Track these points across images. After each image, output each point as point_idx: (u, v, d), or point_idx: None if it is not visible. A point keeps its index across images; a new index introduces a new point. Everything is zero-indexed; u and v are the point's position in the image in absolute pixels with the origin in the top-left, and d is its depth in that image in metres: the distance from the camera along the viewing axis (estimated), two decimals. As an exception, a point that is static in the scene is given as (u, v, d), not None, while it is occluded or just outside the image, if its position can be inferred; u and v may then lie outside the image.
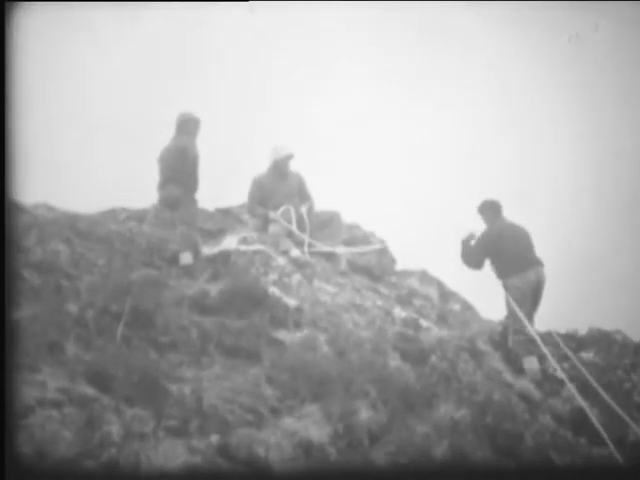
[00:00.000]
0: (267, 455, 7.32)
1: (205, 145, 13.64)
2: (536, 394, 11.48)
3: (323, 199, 15.37)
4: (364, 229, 16.83)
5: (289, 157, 14.88)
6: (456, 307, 15.00)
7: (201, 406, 7.77)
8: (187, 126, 13.47)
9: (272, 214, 14.59)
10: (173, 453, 6.91)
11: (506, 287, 12.48)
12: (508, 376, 11.67)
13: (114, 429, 6.95)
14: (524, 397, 11.15)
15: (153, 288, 10.29)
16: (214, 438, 7.31)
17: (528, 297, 12.36)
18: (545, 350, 11.85)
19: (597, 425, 10.73)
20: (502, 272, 12.61)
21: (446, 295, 15.51)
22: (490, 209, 13.11)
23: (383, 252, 16.08)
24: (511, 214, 13.07)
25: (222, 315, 10.23)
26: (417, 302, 13.97)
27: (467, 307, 15.31)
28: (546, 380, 12.19)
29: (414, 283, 15.34)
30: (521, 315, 12.10)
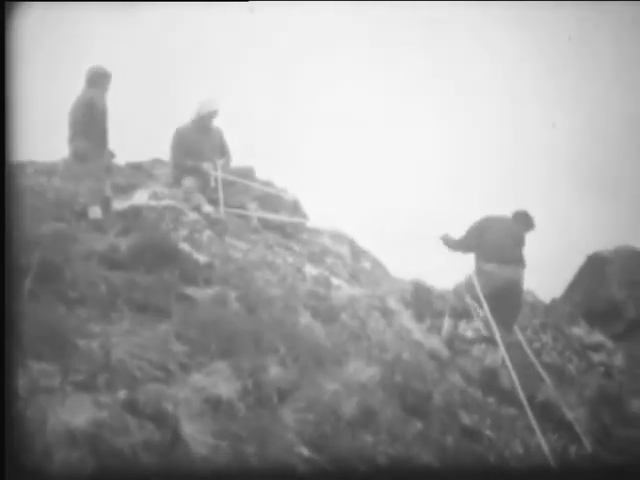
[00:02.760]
0: (175, 410, 7.28)
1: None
2: (446, 353, 11.62)
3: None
4: (277, 186, 16.80)
5: (214, 113, 14.90)
6: (367, 265, 15.08)
7: (109, 361, 7.67)
8: (97, 79, 13.25)
9: (205, 165, 14.57)
10: (80, 407, 6.83)
11: (479, 271, 12.38)
12: (418, 335, 11.77)
13: (20, 383, 6.85)
14: (434, 356, 11.28)
15: (62, 242, 10.12)
16: (122, 393, 7.25)
17: (497, 290, 12.14)
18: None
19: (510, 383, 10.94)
20: (481, 255, 12.53)
21: (357, 253, 15.58)
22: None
23: (295, 209, 16.07)
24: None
25: (132, 270, 10.11)
26: (329, 260, 14.01)
27: (378, 266, 15.41)
28: (455, 339, 12.34)
29: (326, 241, 15.38)
30: (482, 298, 12.04)
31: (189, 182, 14.39)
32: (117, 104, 14.69)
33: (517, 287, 12.31)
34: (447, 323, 12.48)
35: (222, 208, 14.26)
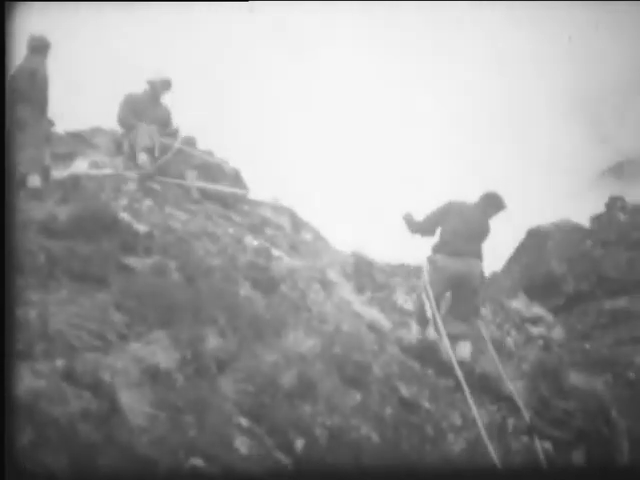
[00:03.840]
0: (113, 380, 7.24)
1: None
2: (385, 325, 11.63)
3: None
4: (217, 156, 16.71)
5: (167, 84, 14.86)
6: (308, 237, 15.06)
7: (47, 330, 7.60)
8: (40, 48, 13.08)
9: (144, 125, 14.50)
10: (17, 376, 6.77)
11: (430, 260, 11.93)
12: (358, 307, 11.79)
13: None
14: (373, 328, 11.29)
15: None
16: (59, 362, 7.18)
17: (446, 281, 11.71)
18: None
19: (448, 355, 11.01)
20: (436, 244, 12.05)
21: (298, 225, 15.56)
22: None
23: (236, 180, 16.01)
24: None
25: (70, 239, 10.00)
26: (269, 231, 13.98)
27: (319, 237, 15.40)
28: (394, 311, 12.36)
29: (266, 212, 15.35)
30: (429, 291, 11.59)
31: (143, 157, 14.29)
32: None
33: (468, 280, 11.76)
34: (414, 329, 11.99)
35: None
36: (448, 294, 11.78)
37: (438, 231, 12.08)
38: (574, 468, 10.69)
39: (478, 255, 11.95)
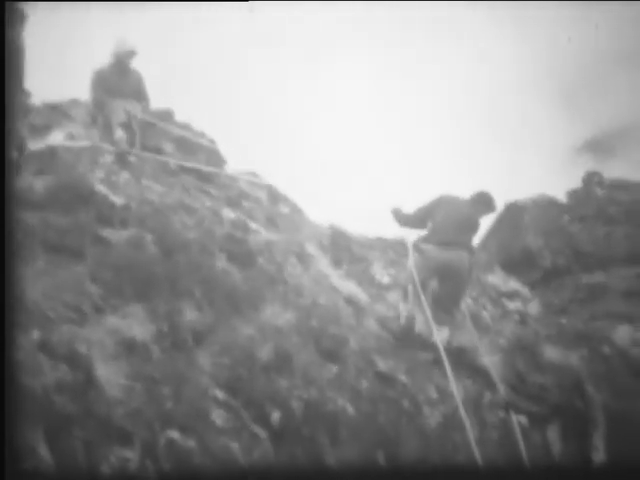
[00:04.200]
0: (89, 352, 7.23)
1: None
2: (362, 299, 11.63)
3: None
4: (195, 129, 16.67)
5: (131, 53, 14.71)
6: (285, 210, 15.04)
7: (22, 301, 7.58)
8: (15, 18, 12.97)
9: (118, 101, 14.42)
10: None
11: (417, 249, 11.63)
12: (335, 280, 11.79)
13: None
14: (350, 301, 11.29)
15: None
16: (35, 334, 7.16)
17: (433, 272, 11.44)
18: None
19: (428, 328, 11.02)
20: (426, 235, 11.75)
21: (275, 198, 15.53)
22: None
23: (213, 153, 15.97)
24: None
25: (47, 211, 9.96)
26: (246, 204, 13.94)
27: (296, 211, 15.38)
28: (372, 285, 12.37)
29: (243, 185, 15.31)
30: (417, 280, 11.32)
31: (120, 134, 14.23)
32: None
33: (456, 271, 11.46)
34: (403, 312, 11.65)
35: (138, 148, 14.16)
36: (435, 283, 11.50)
37: (427, 222, 11.84)
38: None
39: (468, 247, 11.69)
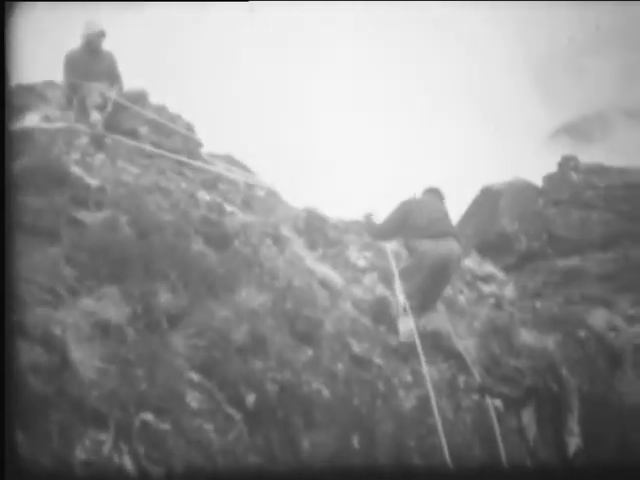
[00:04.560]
0: (64, 334, 7.21)
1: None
2: (338, 281, 11.62)
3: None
4: (170, 111, 16.59)
5: (101, 34, 14.63)
6: (261, 193, 15.00)
7: (-5, 283, 7.54)
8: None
9: (93, 83, 14.35)
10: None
11: (408, 248, 11.37)
12: (310, 263, 11.77)
13: None
14: (325, 284, 11.28)
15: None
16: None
17: (424, 270, 11.05)
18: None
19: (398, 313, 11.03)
20: (412, 234, 11.32)
21: (251, 180, 15.50)
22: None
23: (189, 133, 15.92)
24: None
25: (22, 193, 9.90)
26: (222, 186, 13.90)
27: (272, 193, 15.35)
28: (347, 268, 12.36)
29: (220, 166, 15.27)
30: (396, 277, 11.35)
31: (96, 116, 14.15)
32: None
33: (448, 264, 11.15)
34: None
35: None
36: (427, 277, 11.15)
37: (402, 228, 11.53)
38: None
39: (457, 236, 11.52)
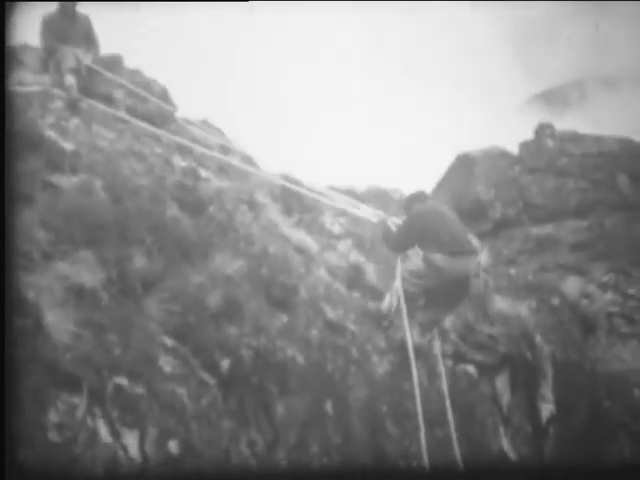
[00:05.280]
0: (37, 299, 7.20)
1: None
2: (313, 247, 11.61)
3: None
4: (146, 76, 16.48)
5: None
6: (236, 158, 14.93)
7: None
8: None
9: (70, 47, 14.25)
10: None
11: (426, 261, 10.41)
12: (285, 229, 11.77)
13: None
14: (300, 250, 11.27)
15: None
16: (-18, 281, 7.11)
17: (442, 286, 10.44)
18: None
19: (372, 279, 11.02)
20: (429, 246, 10.41)
21: (227, 146, 15.43)
22: (416, 201, 11.10)
23: (164, 99, 15.83)
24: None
25: (-5, 157, 9.84)
26: (197, 152, 13.82)
27: (247, 159, 15.29)
28: (322, 234, 12.36)
29: (195, 132, 15.19)
30: (400, 292, 10.57)
31: (70, 80, 14.04)
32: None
33: (465, 281, 10.58)
34: (388, 299, 10.97)
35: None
36: (439, 292, 10.59)
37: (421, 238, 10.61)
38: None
39: (474, 250, 10.79)
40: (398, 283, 10.58)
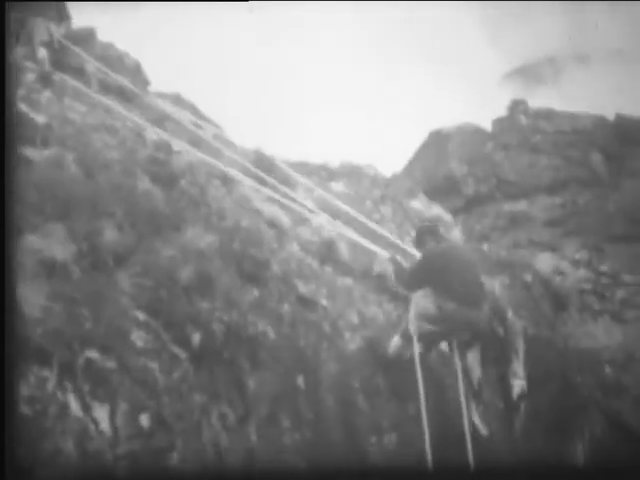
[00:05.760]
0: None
1: None
2: (285, 222, 11.60)
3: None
4: (119, 49, 16.39)
5: None
6: (209, 132, 14.88)
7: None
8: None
9: (41, 19, 14.15)
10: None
11: (437, 305, 10.06)
12: (258, 203, 11.75)
13: None
14: (273, 225, 11.26)
15: None
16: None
17: (450, 332, 10.45)
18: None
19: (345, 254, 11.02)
20: (440, 293, 10.10)
21: (199, 121, 15.39)
22: (429, 235, 10.74)
23: (137, 73, 15.76)
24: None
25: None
26: (169, 125, 13.77)
27: (221, 132, 15.25)
28: (295, 209, 12.34)
29: (167, 106, 15.12)
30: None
31: (42, 53, 13.95)
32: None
33: (478, 332, 10.52)
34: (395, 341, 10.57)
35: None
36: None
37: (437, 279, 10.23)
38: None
39: (486, 299, 10.66)
40: (412, 327, 10.35)
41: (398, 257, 10.82)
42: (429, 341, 10.37)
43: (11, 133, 7.78)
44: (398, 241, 12.19)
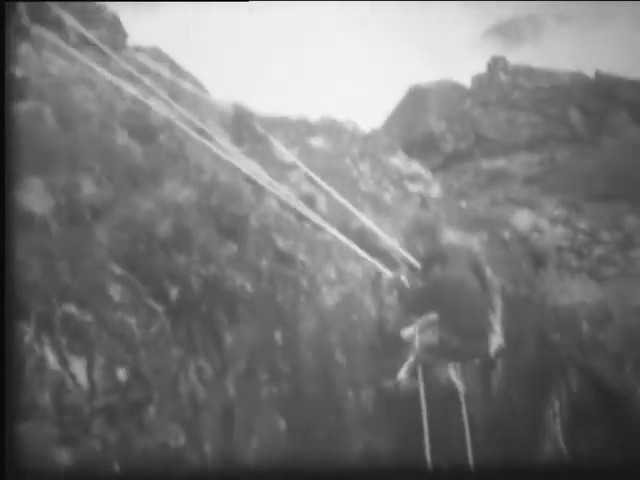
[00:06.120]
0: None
1: None
2: (263, 177, 11.56)
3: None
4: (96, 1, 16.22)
5: None
6: (188, 87, 14.78)
7: None
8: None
9: None
10: None
11: (441, 337, 9.81)
12: (235, 160, 11.70)
13: None
14: (250, 179, 11.22)
15: None
16: None
17: (444, 358, 10.28)
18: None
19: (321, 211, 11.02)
20: (444, 323, 9.80)
21: (178, 74, 15.27)
22: (437, 260, 10.25)
23: (115, 26, 15.60)
24: None
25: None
26: (148, 79, 13.66)
27: (199, 88, 15.15)
28: (273, 164, 12.31)
29: (146, 60, 15.00)
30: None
31: (20, 6, 13.78)
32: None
33: (486, 358, 10.19)
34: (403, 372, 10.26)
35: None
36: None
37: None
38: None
39: (491, 331, 10.08)
40: (419, 358, 10.29)
41: (402, 277, 10.39)
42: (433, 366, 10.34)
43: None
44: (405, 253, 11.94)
